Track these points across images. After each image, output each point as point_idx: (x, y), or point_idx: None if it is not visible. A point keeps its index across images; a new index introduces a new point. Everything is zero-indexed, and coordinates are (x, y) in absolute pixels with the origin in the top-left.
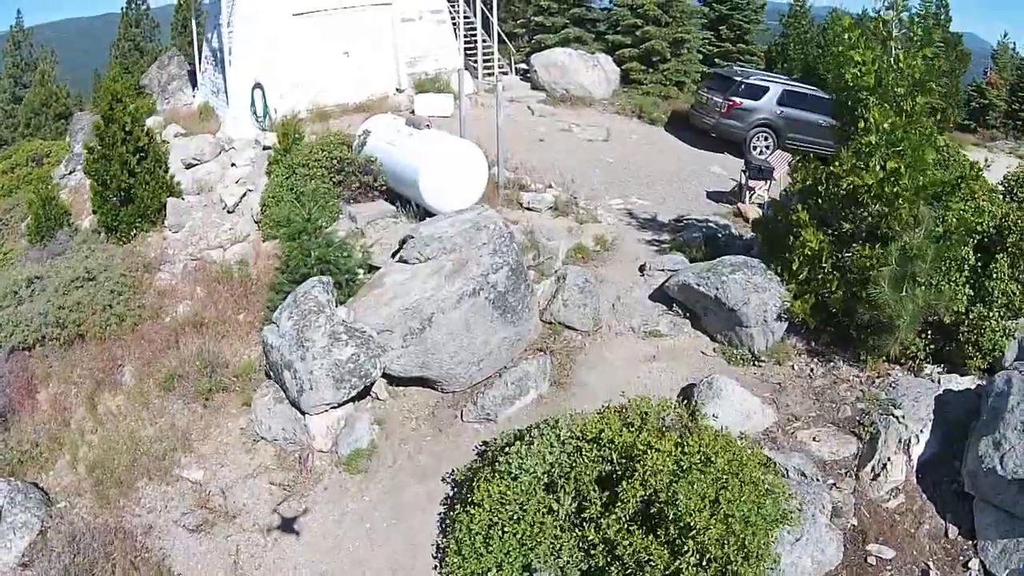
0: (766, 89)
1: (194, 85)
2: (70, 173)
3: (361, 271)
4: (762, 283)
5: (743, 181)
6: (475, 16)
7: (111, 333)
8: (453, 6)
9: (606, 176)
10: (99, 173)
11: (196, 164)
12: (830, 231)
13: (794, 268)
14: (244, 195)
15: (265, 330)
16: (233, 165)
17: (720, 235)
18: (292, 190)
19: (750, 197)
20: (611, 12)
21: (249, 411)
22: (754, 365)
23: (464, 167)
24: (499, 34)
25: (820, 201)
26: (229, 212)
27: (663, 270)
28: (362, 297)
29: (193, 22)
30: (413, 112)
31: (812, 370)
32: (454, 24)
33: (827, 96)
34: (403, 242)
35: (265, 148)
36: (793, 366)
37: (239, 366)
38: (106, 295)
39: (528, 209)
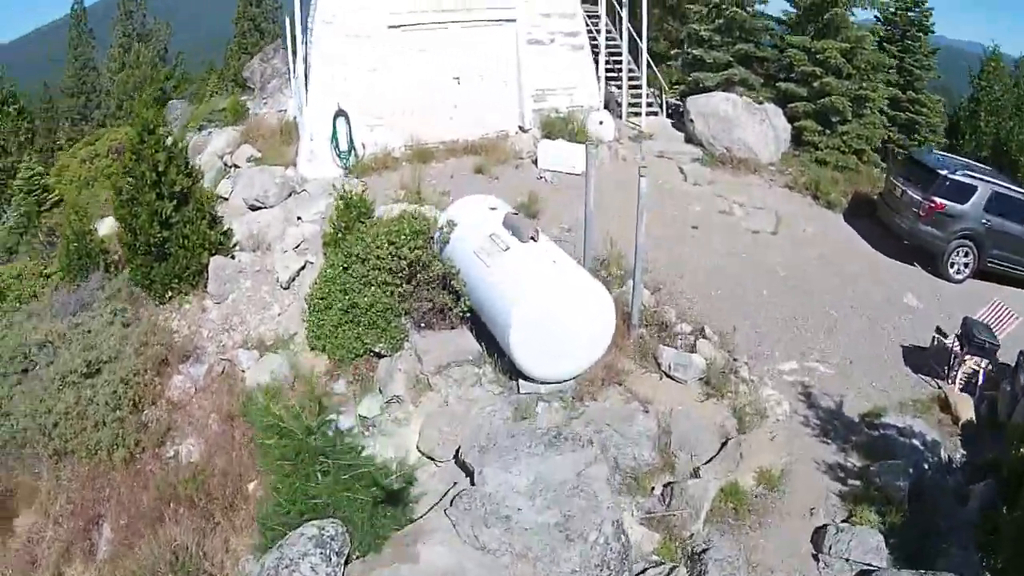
0: (973, 189)
1: None
2: None
3: (398, 506)
4: None
5: (955, 349)
6: (621, 39)
7: (100, 460)
8: (594, 25)
9: (776, 306)
10: (126, 221)
11: (260, 207)
12: None
13: None
14: (302, 268)
15: None
16: (299, 220)
17: (927, 465)
18: (345, 291)
19: (959, 373)
20: (784, 53)
21: None
22: None
23: (578, 321)
24: (648, 63)
25: None
26: (284, 288)
27: (848, 559)
28: (384, 571)
29: (290, 17)
30: (536, 163)
31: None
32: (594, 49)
33: None
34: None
35: (342, 199)
36: None
37: None
38: (101, 407)
39: (668, 376)
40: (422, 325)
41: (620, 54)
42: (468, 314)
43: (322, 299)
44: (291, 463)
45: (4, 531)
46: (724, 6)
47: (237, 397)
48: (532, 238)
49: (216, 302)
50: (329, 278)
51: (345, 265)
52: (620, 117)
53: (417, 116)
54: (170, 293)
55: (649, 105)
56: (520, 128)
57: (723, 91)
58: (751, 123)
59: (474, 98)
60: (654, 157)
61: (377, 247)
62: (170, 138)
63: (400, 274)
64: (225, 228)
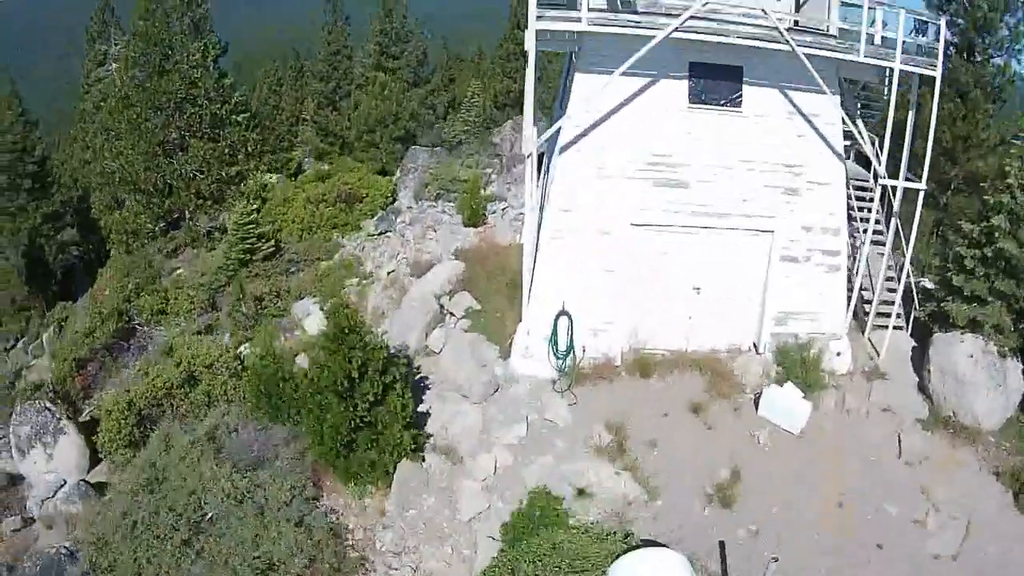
0: None
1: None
2: (380, 234)
3: None
4: None
5: None
6: (887, 235)
7: None
8: (860, 216)
9: None
10: (314, 413)
11: (464, 400)
12: None
13: None
14: (486, 509)
15: None
16: (496, 440)
17: None
18: None
19: None
20: None
21: None
22: None
23: None
24: (909, 275)
25: None
26: (464, 521)
27: None
28: None
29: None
30: (757, 405)
31: None
32: (853, 245)
33: None
34: None
35: (546, 420)
36: None
37: None
38: None
39: None
40: None
41: (882, 260)
42: None
43: None
44: None
45: None
46: (996, 235)
47: None
48: None
49: (396, 509)
50: (501, 570)
51: (512, 571)
52: (862, 332)
53: (647, 323)
54: (351, 484)
55: (897, 316)
56: (754, 346)
57: (971, 331)
58: (985, 388)
59: (711, 311)
60: (879, 411)
61: (551, 567)
62: (369, 335)
63: None
64: (421, 411)
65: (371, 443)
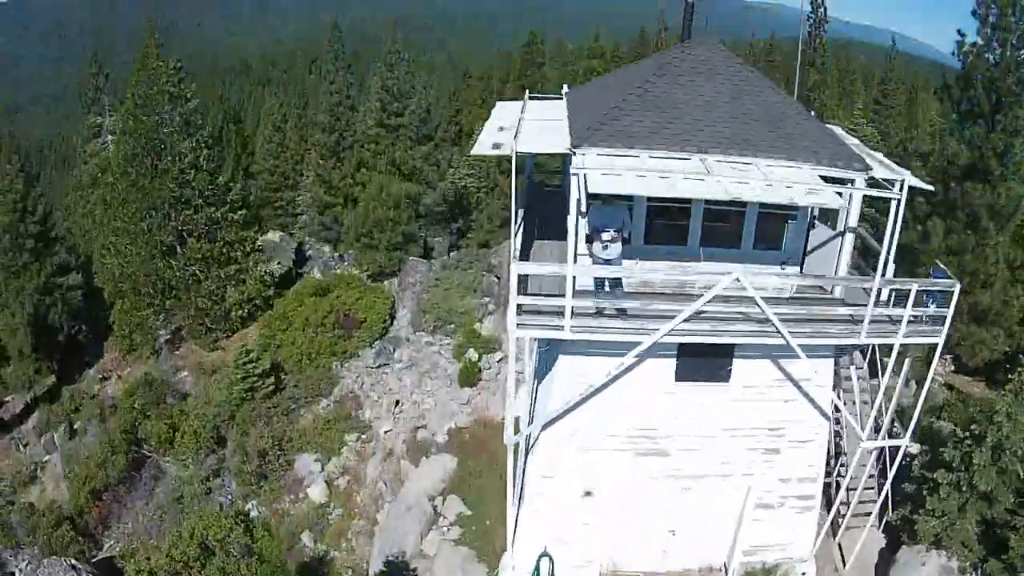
0: None
1: None
2: (378, 367)
3: None
4: None
5: None
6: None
7: None
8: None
9: None
10: None
11: None
12: None
13: None
14: None
15: None
16: None
17: None
18: None
19: None
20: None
21: None
22: None
23: None
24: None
25: None
26: None
27: None
28: None
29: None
30: None
31: None
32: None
33: None
34: None
35: None
36: None
37: None
38: None
39: None
40: None
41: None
42: None
43: None
44: None
45: None
46: (975, 469)
47: None
48: None
49: None
50: None
51: None
52: (833, 536)
53: (624, 554)
54: None
55: (869, 515)
56: (724, 567)
57: (937, 547)
58: None
59: (685, 544)
60: None
61: None
62: None
63: None
64: None
65: None
